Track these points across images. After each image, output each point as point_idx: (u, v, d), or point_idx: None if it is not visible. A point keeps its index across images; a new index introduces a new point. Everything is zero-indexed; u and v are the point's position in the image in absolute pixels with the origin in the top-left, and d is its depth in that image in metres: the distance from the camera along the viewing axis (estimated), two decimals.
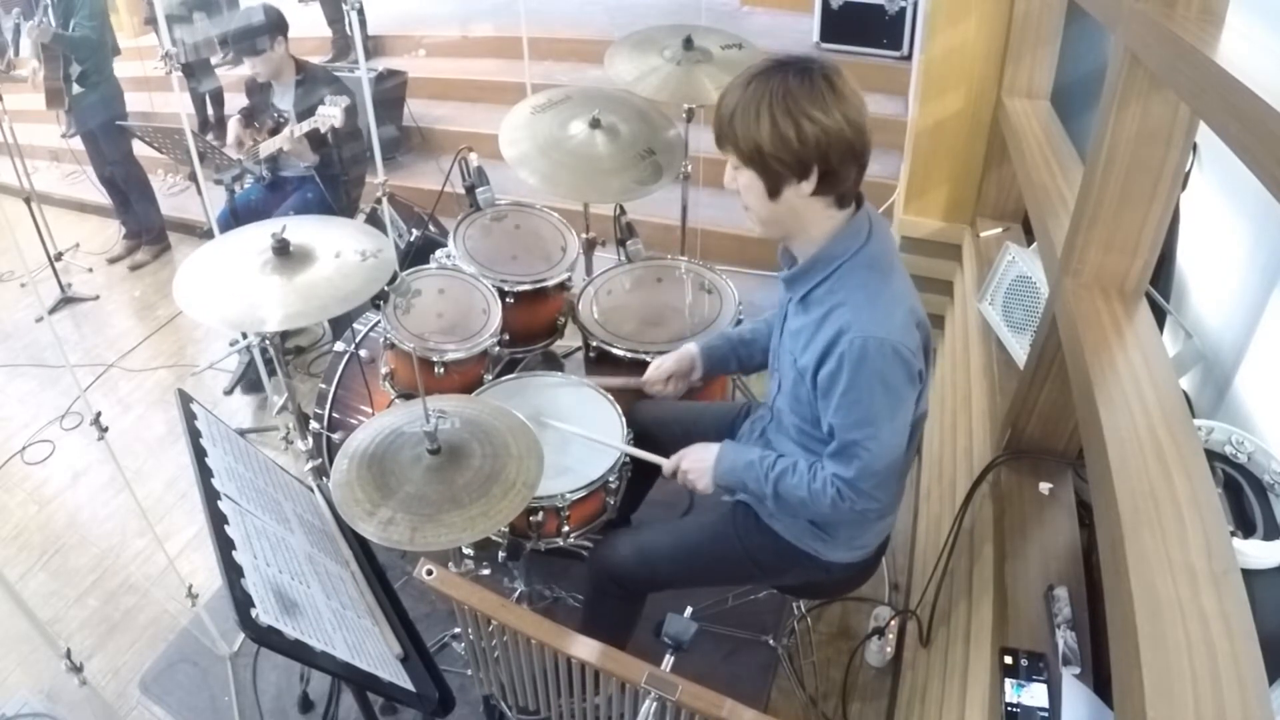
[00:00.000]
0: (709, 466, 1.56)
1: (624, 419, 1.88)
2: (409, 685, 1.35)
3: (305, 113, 2.80)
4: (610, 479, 1.78)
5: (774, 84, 1.23)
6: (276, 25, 2.92)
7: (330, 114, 2.70)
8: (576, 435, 1.80)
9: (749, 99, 1.24)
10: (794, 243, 1.39)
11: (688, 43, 2.33)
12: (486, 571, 1.91)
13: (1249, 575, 1.05)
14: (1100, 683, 1.29)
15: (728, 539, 1.65)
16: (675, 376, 1.78)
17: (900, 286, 1.35)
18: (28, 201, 3.90)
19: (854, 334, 1.27)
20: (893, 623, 2.05)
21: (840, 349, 1.28)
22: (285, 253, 1.69)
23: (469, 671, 1.61)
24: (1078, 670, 1.31)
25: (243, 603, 1.10)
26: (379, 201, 2.70)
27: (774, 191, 1.29)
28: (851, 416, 1.32)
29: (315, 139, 2.89)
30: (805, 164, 1.25)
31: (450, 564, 1.84)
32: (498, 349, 2.14)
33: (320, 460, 2.25)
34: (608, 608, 1.76)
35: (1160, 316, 1.63)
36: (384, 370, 2.15)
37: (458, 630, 2.01)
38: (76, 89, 3.83)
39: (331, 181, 3.07)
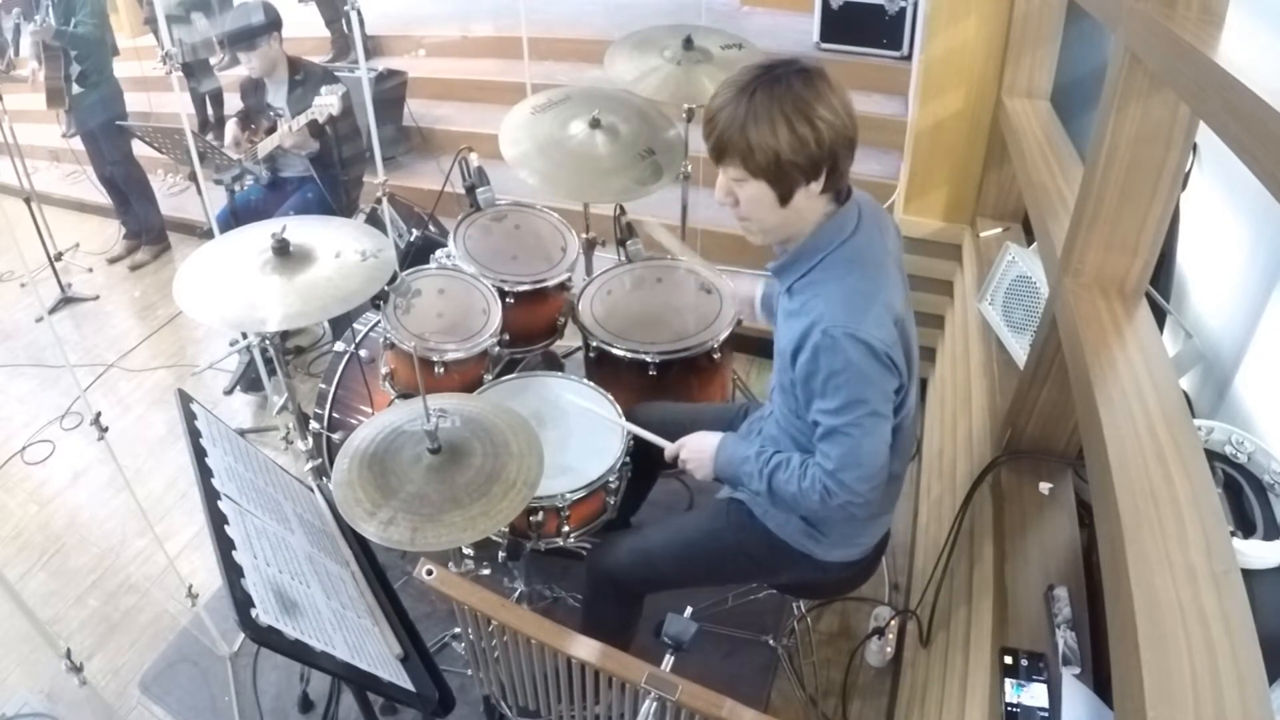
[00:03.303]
0: (710, 456, 1.56)
1: (624, 420, 1.88)
2: (409, 685, 1.35)
3: (300, 110, 2.80)
4: (610, 479, 1.78)
5: (779, 90, 1.22)
6: (271, 21, 2.92)
7: (327, 103, 2.69)
8: (585, 409, 1.83)
9: (759, 108, 1.22)
10: (791, 242, 1.40)
11: (688, 43, 2.33)
12: (486, 571, 1.91)
13: (1249, 575, 1.05)
14: (1100, 683, 1.30)
15: (722, 536, 1.65)
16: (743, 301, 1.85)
17: (880, 283, 1.34)
18: (28, 201, 3.90)
19: (824, 325, 1.28)
20: (893, 623, 2.05)
21: (813, 341, 1.29)
22: (285, 253, 1.69)
23: (469, 671, 1.61)
24: (1078, 670, 1.31)
25: (243, 603, 1.10)
26: (379, 201, 2.70)
27: (785, 198, 1.29)
28: (833, 404, 1.32)
29: (313, 129, 2.89)
30: (818, 165, 1.26)
31: (450, 564, 1.84)
32: (498, 349, 2.14)
33: (320, 460, 2.25)
34: (607, 610, 1.77)
35: (1160, 316, 1.63)
36: (384, 370, 2.15)
37: (458, 630, 2.01)
38: (76, 89, 3.83)
39: (331, 182, 3.07)
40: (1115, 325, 1.44)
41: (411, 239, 2.91)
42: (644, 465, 1.91)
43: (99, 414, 1.90)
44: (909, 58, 3.70)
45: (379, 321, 2.11)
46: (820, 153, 1.24)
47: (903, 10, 3.76)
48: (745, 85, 1.25)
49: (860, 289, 1.31)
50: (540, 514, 1.74)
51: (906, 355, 1.37)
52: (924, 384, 2.53)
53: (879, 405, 1.33)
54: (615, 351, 2.09)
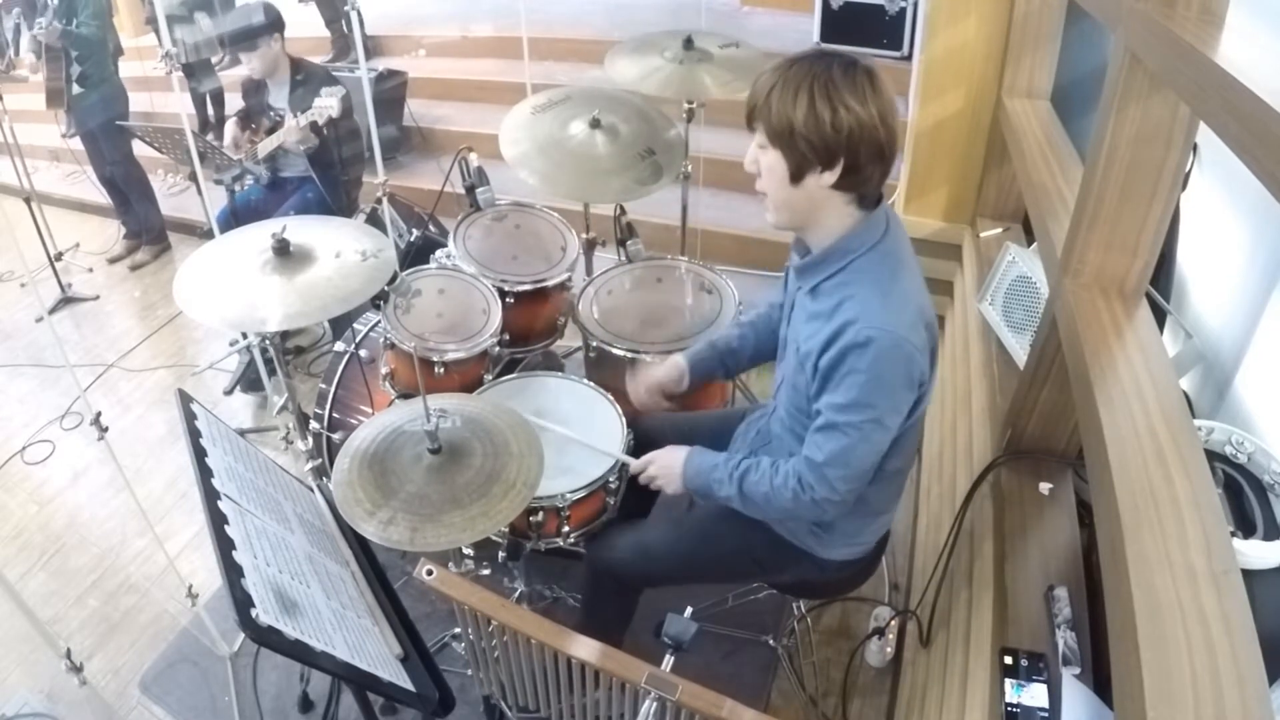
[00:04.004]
0: (679, 471, 1.57)
1: (624, 420, 1.88)
2: (409, 685, 1.35)
3: (301, 110, 2.80)
4: (610, 479, 1.78)
5: (818, 69, 1.24)
6: (273, 22, 2.93)
7: (327, 104, 2.70)
8: (561, 435, 1.80)
9: (791, 78, 1.25)
10: (807, 234, 1.39)
11: (688, 43, 2.34)
12: (486, 571, 1.91)
13: (1249, 575, 1.05)
14: (1100, 683, 1.30)
15: (724, 535, 1.65)
16: (663, 387, 1.77)
17: (911, 285, 1.35)
18: (28, 201, 3.90)
19: (861, 325, 1.27)
20: (893, 623, 2.05)
21: (845, 339, 1.28)
22: (285, 253, 1.69)
23: (469, 671, 1.61)
24: (1078, 670, 1.31)
25: (243, 603, 1.10)
26: (379, 201, 2.70)
27: (796, 176, 1.29)
28: (842, 399, 1.31)
29: (312, 129, 2.88)
30: (833, 152, 1.25)
31: (450, 564, 1.84)
32: (498, 349, 2.14)
33: (320, 460, 2.25)
34: (605, 603, 1.77)
35: (1160, 316, 1.63)
36: (384, 370, 2.15)
37: (458, 630, 2.01)
38: (76, 89, 3.83)
39: (330, 182, 3.07)
40: (1115, 325, 1.44)
41: (411, 239, 2.91)
42: None
43: (99, 414, 1.90)
44: (909, 58, 3.70)
45: (379, 321, 2.11)
46: (836, 139, 1.23)
47: (903, 10, 3.76)
48: (793, 59, 1.27)
49: (896, 291, 1.31)
50: (540, 514, 1.74)
51: (931, 362, 1.37)
52: None
53: (886, 416, 1.32)
54: (615, 351, 2.08)
